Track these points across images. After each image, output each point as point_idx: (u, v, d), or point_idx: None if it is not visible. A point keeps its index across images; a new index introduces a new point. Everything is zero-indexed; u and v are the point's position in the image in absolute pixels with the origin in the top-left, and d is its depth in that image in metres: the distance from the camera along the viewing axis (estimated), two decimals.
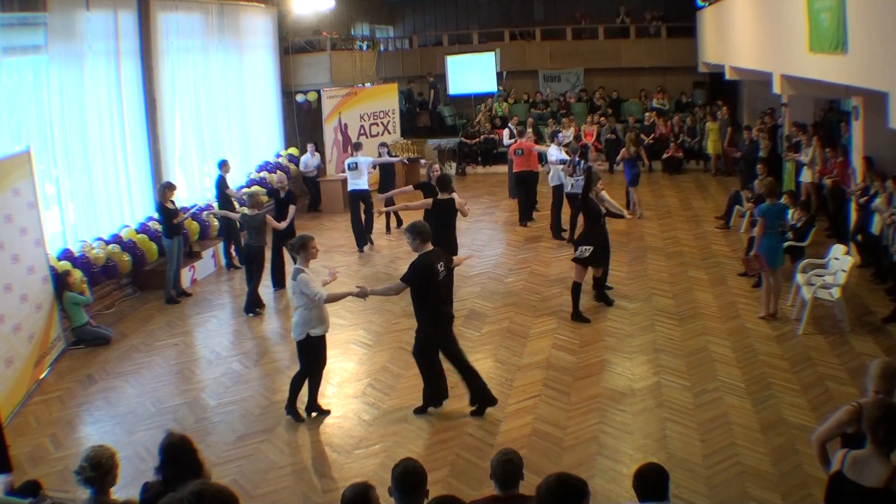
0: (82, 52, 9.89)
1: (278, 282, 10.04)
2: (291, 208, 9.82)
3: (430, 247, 6.10)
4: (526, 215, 12.96)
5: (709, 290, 9.14)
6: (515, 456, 3.48)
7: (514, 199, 14.00)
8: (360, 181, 11.91)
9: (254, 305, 9.31)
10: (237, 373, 7.63)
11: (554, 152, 11.70)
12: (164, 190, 9.83)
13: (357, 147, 12.78)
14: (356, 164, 11.93)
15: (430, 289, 6.04)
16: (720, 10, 14.73)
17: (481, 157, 18.34)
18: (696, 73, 18.90)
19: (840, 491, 3.35)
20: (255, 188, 12.94)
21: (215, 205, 11.46)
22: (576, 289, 8.42)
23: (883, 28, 6.21)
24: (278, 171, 14.07)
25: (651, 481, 3.45)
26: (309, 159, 15.12)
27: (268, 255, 9.74)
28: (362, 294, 6.20)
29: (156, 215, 10.42)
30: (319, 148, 15.55)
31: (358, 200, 11.95)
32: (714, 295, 8.95)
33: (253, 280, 9.28)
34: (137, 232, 10.46)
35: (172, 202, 9.89)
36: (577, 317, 8.35)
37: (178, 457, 3.61)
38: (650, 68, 19.66)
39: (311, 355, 6.32)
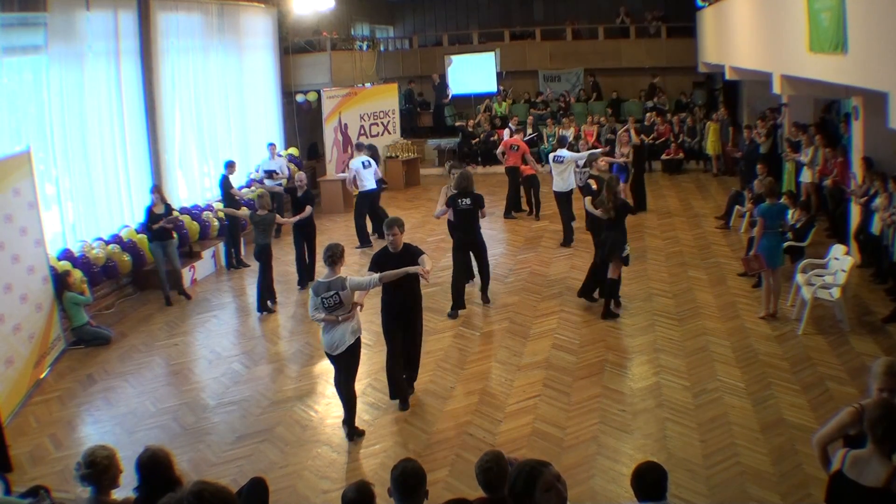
0: (82, 52, 9.88)
1: (303, 280, 10.11)
2: (308, 208, 9.95)
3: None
4: (508, 209, 13.36)
5: (709, 290, 9.13)
6: (496, 464, 3.38)
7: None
8: (371, 181, 12.04)
9: (265, 302, 9.38)
10: (237, 373, 7.63)
11: (566, 154, 11.32)
12: (152, 192, 9.86)
13: (359, 147, 12.86)
14: (369, 162, 12.12)
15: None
16: (720, 10, 14.72)
17: (481, 157, 18.34)
18: (696, 73, 18.89)
19: (840, 491, 3.34)
20: (262, 190, 12.89)
21: (219, 205, 11.43)
22: (615, 284, 8.38)
23: (883, 28, 6.21)
24: (296, 170, 14.03)
25: (649, 480, 3.44)
26: (268, 163, 13.28)
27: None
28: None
29: None
30: (318, 148, 15.30)
31: (366, 200, 12.05)
32: (714, 295, 8.95)
33: (264, 277, 9.32)
34: (137, 232, 10.44)
35: (167, 204, 9.88)
36: (609, 314, 8.34)
37: (156, 472, 3.56)
38: (650, 68, 19.66)
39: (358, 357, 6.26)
